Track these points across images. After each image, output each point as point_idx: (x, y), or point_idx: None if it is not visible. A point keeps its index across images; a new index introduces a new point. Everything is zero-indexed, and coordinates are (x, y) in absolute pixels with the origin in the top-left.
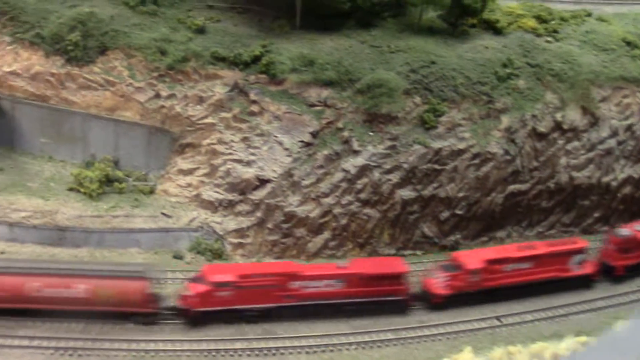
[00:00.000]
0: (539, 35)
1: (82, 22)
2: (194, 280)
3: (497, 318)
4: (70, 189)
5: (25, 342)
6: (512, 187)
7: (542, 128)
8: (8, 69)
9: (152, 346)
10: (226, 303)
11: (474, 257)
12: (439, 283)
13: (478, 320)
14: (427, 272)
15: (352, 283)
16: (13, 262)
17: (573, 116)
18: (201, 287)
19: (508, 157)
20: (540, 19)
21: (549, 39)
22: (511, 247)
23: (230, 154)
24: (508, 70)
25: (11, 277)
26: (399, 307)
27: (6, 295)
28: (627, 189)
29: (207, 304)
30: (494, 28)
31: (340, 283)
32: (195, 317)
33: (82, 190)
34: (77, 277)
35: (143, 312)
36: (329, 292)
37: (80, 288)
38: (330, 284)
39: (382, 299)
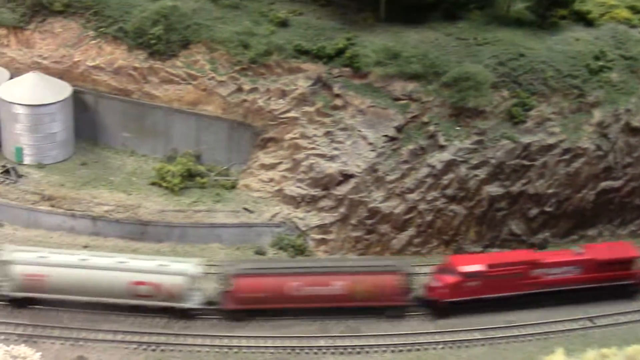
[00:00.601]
0: (633, 27)
1: (165, 16)
2: (441, 271)
3: (590, 319)
4: (152, 184)
5: (109, 337)
6: (604, 184)
7: (636, 122)
8: (92, 64)
9: (235, 342)
10: (474, 293)
11: None
12: None
13: (569, 321)
14: None
15: (589, 269)
16: (269, 262)
17: None
18: (450, 278)
19: (600, 153)
20: (635, 10)
21: None
22: None
23: (313, 148)
24: (600, 63)
25: (271, 277)
26: (629, 291)
27: (267, 296)
28: None
29: (456, 294)
30: (585, 19)
31: (578, 269)
32: (443, 308)
33: (164, 184)
34: (334, 275)
35: (395, 306)
36: (567, 279)
37: (337, 285)
38: (568, 271)
39: (615, 284)
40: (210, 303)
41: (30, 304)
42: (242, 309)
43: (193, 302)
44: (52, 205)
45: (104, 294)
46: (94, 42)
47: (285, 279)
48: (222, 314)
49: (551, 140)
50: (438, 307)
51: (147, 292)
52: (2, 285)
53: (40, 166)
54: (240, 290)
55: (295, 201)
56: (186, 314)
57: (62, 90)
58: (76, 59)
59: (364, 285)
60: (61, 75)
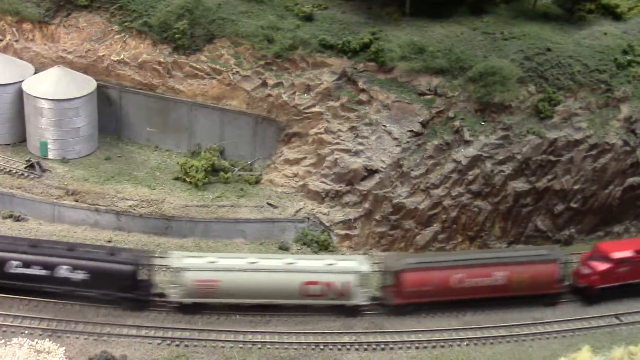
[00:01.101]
0: None
1: (190, 10)
2: (589, 258)
3: (616, 316)
4: (176, 179)
5: (133, 332)
6: (631, 180)
7: None
8: (116, 58)
9: (259, 338)
10: (623, 279)
11: None
12: None
13: (596, 318)
14: None
15: None
16: (431, 256)
17: None
18: (601, 265)
19: (627, 148)
20: None
21: None
22: None
23: (337, 143)
24: (628, 57)
25: (437, 271)
26: None
27: (433, 289)
28: None
29: (607, 280)
30: (613, 13)
31: None
32: (595, 294)
33: (187, 179)
34: (495, 266)
35: (550, 294)
36: None
37: (498, 276)
38: None
39: None
40: (374, 299)
41: (200, 309)
42: (408, 303)
43: (361, 299)
44: (76, 200)
45: (275, 296)
46: (118, 36)
47: (450, 272)
48: (387, 309)
49: (578, 136)
50: (590, 293)
51: (319, 291)
52: (172, 292)
53: (64, 161)
54: (407, 285)
55: (319, 196)
56: (353, 311)
57: (87, 84)
58: (101, 54)
59: (523, 275)
60: (85, 69)
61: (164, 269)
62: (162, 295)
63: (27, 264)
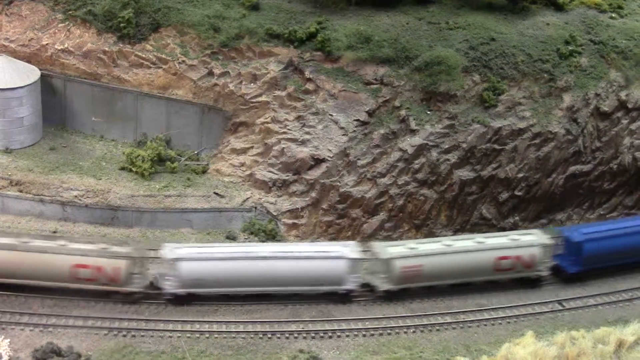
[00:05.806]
0: (602, 11)
1: None
2: None
3: (559, 302)
4: (122, 169)
5: (79, 323)
6: (573, 168)
7: (605, 107)
8: (60, 47)
9: (206, 327)
10: None
11: None
12: None
13: (539, 304)
14: None
15: None
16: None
17: (638, 95)
18: None
19: (570, 137)
20: None
21: (613, 15)
22: None
23: (284, 133)
24: (570, 48)
25: None
26: None
27: None
28: None
29: None
30: (555, 4)
31: None
32: None
33: (134, 169)
34: None
35: None
36: None
37: None
38: None
39: None
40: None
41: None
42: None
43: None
44: (21, 191)
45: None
46: (62, 25)
47: None
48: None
49: (522, 125)
50: None
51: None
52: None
53: (7, 151)
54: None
55: (266, 186)
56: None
57: (30, 74)
58: (44, 42)
59: None
60: (29, 58)
61: None
62: None
63: None
